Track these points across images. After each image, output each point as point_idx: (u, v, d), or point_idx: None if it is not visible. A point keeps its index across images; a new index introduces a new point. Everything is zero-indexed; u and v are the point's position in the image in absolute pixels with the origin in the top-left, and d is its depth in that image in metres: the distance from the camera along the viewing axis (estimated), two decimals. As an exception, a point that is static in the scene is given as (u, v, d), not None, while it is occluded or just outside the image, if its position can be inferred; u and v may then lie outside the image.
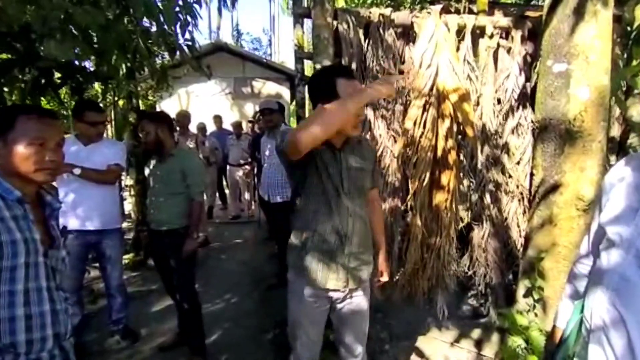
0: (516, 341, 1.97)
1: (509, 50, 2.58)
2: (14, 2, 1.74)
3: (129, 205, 5.53)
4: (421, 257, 2.52)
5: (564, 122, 2.05)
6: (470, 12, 2.68)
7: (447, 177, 2.39)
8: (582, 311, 0.99)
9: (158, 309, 3.09)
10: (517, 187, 2.61)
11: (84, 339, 2.53)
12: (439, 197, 2.42)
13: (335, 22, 2.46)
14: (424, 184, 2.41)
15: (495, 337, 2.50)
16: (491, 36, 2.57)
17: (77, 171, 2.26)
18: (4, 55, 2.37)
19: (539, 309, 2.16)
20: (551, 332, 1.17)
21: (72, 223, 2.29)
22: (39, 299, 1.04)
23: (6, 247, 0.97)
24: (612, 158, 2.67)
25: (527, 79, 2.59)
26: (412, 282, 2.56)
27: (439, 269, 2.51)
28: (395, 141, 2.51)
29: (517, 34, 2.55)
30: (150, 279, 3.57)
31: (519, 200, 2.64)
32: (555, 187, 2.11)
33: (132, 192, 4.91)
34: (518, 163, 2.63)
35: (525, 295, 2.21)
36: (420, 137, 2.40)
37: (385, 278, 1.66)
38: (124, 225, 3.81)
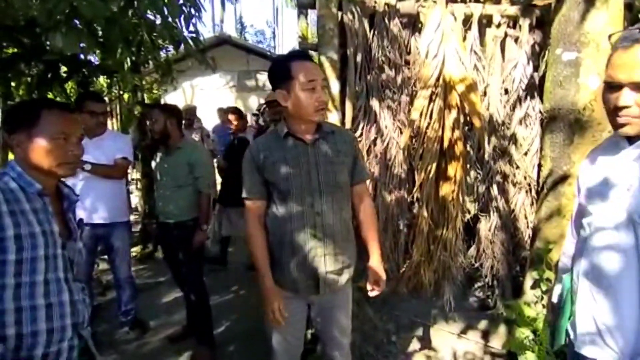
0: (524, 332, 1.96)
1: (516, 40, 2.54)
2: (20, -5, 1.74)
3: (135, 199, 5.58)
4: (427, 248, 2.51)
5: (573, 112, 2.02)
6: (477, 0, 2.63)
7: (453, 169, 2.38)
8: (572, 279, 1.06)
9: (166, 301, 3.13)
10: (525, 178, 2.59)
11: (94, 330, 2.57)
12: (446, 189, 2.41)
13: (340, 13, 2.44)
14: (431, 175, 2.40)
15: (502, 328, 2.49)
16: (498, 25, 2.53)
17: (87, 167, 2.27)
18: (10, 50, 2.38)
19: (546, 300, 2.15)
20: (549, 307, 1.23)
21: (80, 216, 2.31)
22: (58, 289, 1.06)
23: (25, 239, 0.98)
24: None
25: (535, 69, 2.55)
26: (418, 274, 2.56)
27: (446, 260, 2.51)
28: (402, 132, 2.49)
29: (524, 23, 2.51)
30: (159, 271, 3.61)
31: (527, 192, 2.62)
32: (563, 178, 2.08)
33: (139, 186, 4.94)
34: (526, 154, 2.61)
35: (533, 287, 2.20)
36: (427, 128, 2.38)
37: (376, 290, 1.44)
38: (131, 218, 3.83)
